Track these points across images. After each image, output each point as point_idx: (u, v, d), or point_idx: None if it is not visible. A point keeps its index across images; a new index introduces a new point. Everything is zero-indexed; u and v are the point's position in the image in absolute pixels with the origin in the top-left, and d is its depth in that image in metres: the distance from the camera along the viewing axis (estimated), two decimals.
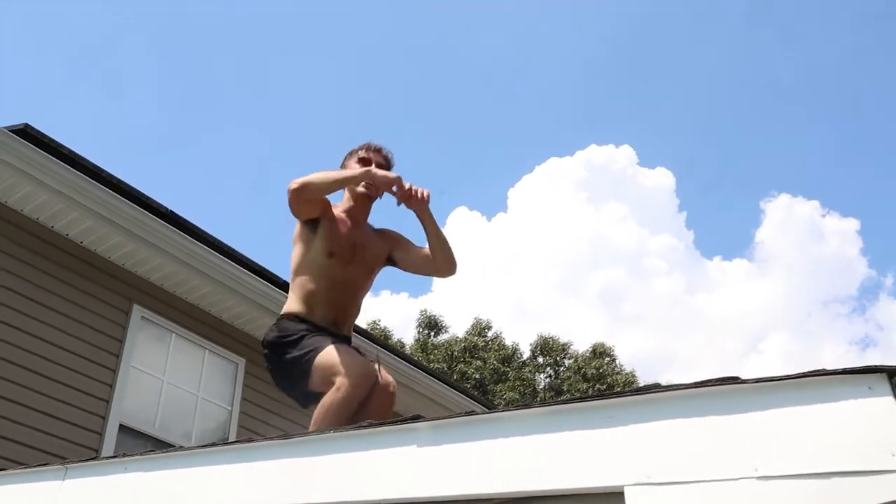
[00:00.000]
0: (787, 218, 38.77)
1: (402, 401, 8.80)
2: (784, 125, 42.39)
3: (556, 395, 27.00)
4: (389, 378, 3.20)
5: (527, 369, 28.66)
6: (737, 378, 1.68)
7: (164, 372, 6.87)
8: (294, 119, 45.30)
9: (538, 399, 27.43)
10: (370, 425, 2.19)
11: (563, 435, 1.78)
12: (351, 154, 3.52)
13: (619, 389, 24.59)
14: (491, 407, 11.96)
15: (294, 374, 3.17)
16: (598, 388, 25.41)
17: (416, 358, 17.69)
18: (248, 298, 7.25)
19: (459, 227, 41.78)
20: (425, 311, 29.56)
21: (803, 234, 37.59)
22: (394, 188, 3.22)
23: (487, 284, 41.27)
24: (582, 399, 1.73)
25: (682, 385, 1.67)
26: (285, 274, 8.02)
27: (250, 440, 2.30)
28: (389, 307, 39.33)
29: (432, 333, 29.17)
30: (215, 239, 6.94)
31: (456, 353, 27.54)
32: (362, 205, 3.46)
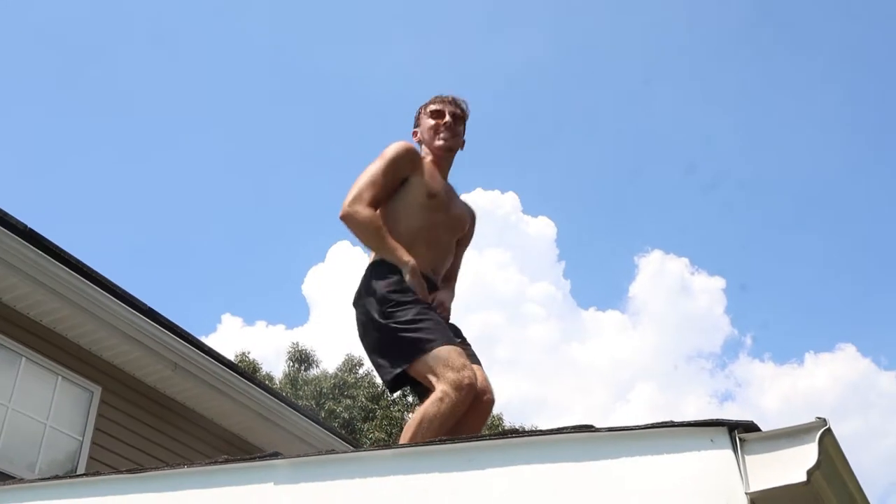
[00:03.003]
0: (658, 273, 40.71)
1: (267, 437, 8.62)
2: (661, 182, 44.61)
3: None
4: (487, 384, 2.83)
5: (396, 408, 28.55)
6: (591, 426, 1.74)
7: (9, 398, 6.45)
8: (156, 140, 44.15)
9: None
10: (227, 461, 2.14)
11: (423, 477, 1.79)
12: (422, 109, 3.32)
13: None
14: (356, 446, 11.86)
15: (393, 346, 2.79)
16: None
17: (284, 393, 17.34)
18: (109, 324, 6.94)
19: (342, 260, 41.56)
20: (296, 344, 29.11)
21: (673, 290, 39.64)
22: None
23: None
24: (442, 441, 1.75)
25: (539, 431, 1.72)
26: (150, 299, 7.74)
27: (97, 473, 2.20)
28: (265, 339, 38.58)
29: (303, 368, 28.69)
30: (75, 259, 6.62)
31: (325, 390, 27.15)
32: (446, 159, 3.24)
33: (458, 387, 2.58)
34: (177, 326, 7.51)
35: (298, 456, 2.02)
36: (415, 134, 3.30)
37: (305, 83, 47.10)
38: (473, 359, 2.88)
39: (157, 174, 45.34)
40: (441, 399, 2.57)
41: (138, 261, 42.57)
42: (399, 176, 3.03)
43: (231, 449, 7.85)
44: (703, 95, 42.68)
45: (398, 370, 2.76)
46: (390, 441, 25.46)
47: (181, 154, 45.20)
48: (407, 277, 2.83)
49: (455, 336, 2.89)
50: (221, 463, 2.16)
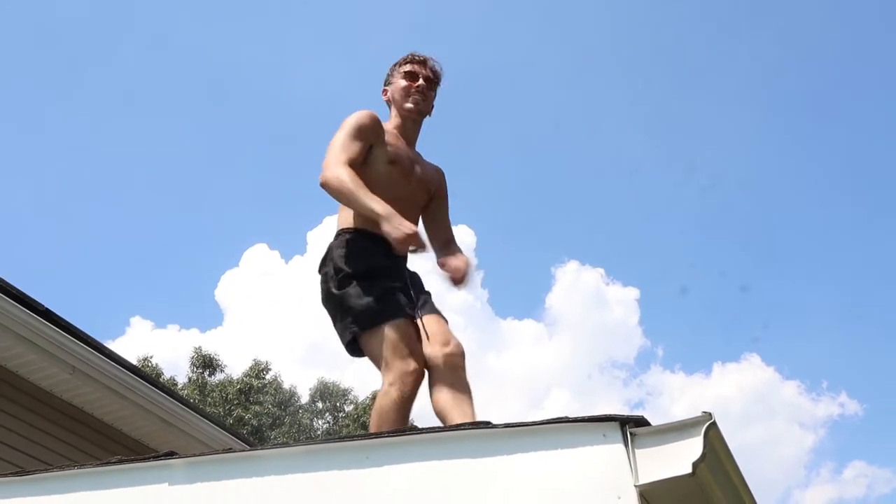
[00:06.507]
0: (574, 283, 41.45)
1: (171, 443, 8.37)
2: (578, 193, 45.50)
3: None
4: (448, 337, 2.79)
5: (305, 415, 28.21)
6: (489, 423, 1.76)
7: None
8: (66, 135, 42.65)
9: None
10: (120, 461, 2.08)
11: (321, 475, 1.78)
12: (395, 67, 3.19)
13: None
14: None
15: (346, 315, 2.78)
16: None
17: (191, 399, 16.94)
18: (2, 325, 6.64)
19: (256, 264, 40.98)
20: (199, 348, 28.43)
21: (589, 300, 40.46)
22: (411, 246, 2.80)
23: (279, 326, 40.63)
24: (340, 439, 1.74)
25: (437, 428, 1.73)
26: (56, 299, 7.45)
27: None
28: (178, 342, 37.74)
29: (207, 373, 28.00)
30: None
31: (231, 396, 26.58)
32: (413, 122, 3.16)
33: (402, 376, 2.62)
34: (76, 328, 7.25)
35: (194, 455, 1.98)
36: (384, 92, 3.21)
37: (222, 84, 46.24)
38: (433, 313, 2.90)
39: (65, 171, 43.84)
40: (387, 392, 2.62)
41: (43, 259, 40.94)
42: (364, 142, 2.94)
43: (132, 454, 7.61)
44: (616, 115, 43.72)
45: (350, 337, 2.78)
46: None
47: (92, 152, 43.85)
48: (384, 226, 2.71)
49: (417, 298, 2.90)
50: (114, 464, 2.10)
